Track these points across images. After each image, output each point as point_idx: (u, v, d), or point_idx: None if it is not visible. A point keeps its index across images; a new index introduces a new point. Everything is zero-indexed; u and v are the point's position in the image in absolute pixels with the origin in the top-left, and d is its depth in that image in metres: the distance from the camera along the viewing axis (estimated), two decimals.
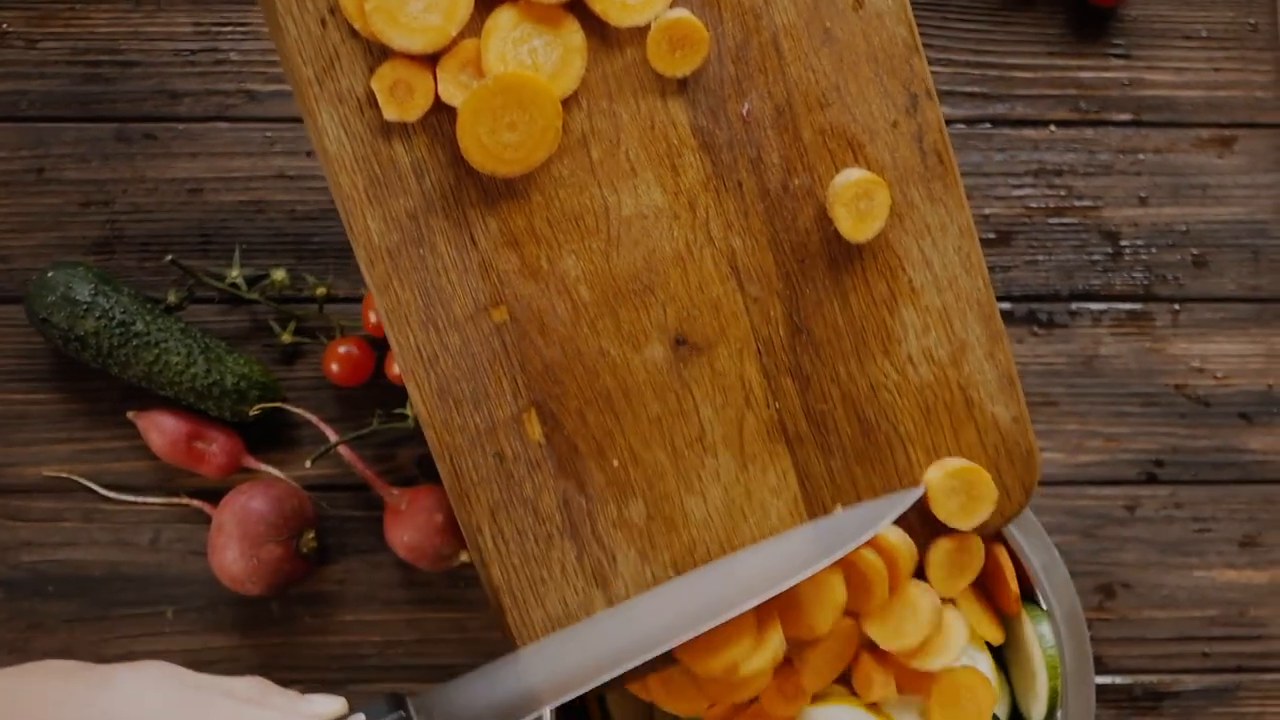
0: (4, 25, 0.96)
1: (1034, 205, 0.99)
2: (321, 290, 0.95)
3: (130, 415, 0.94)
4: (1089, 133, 0.99)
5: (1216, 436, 0.99)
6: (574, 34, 0.70)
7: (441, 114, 0.71)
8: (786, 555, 0.74)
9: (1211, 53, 0.99)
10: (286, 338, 0.95)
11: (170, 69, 0.97)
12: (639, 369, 0.74)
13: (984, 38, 0.99)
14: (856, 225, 0.73)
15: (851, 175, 0.73)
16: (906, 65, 0.73)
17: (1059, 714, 0.85)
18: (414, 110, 0.70)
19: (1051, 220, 0.99)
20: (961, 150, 0.98)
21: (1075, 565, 0.98)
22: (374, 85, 0.69)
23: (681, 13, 0.71)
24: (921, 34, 0.99)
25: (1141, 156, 0.99)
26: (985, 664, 0.86)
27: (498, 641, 0.96)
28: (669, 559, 0.75)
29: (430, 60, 0.70)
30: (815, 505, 0.76)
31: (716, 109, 0.72)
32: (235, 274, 0.95)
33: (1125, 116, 0.99)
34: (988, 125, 0.99)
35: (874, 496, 0.77)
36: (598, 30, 0.71)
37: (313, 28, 0.69)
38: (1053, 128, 0.99)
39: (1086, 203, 0.99)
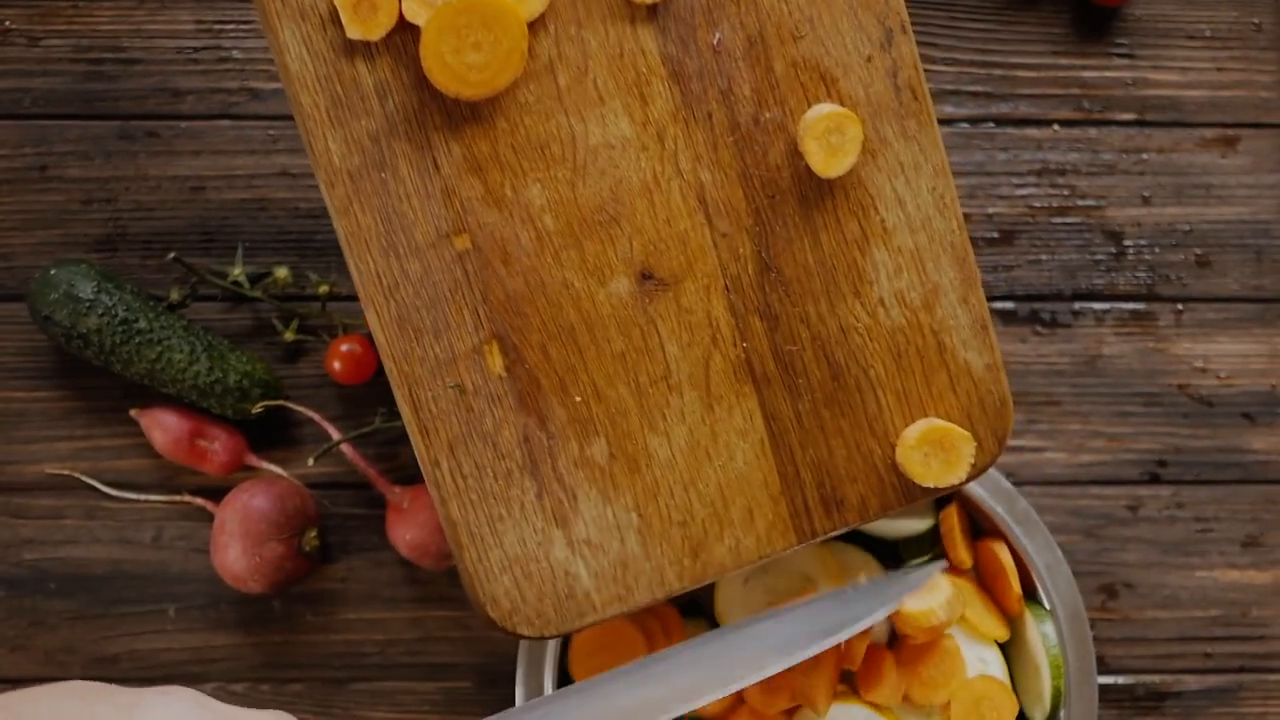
0: (7, 23, 0.96)
1: (1037, 205, 0.98)
2: (324, 288, 0.95)
3: (132, 413, 0.94)
4: (1092, 132, 0.99)
5: (1219, 437, 0.99)
6: None
7: (406, 34, 0.69)
8: (806, 624, 0.75)
9: (1215, 53, 0.99)
10: (289, 336, 0.95)
11: (173, 67, 0.97)
12: (603, 303, 0.73)
13: (988, 37, 0.99)
14: (828, 160, 0.71)
15: (823, 109, 0.71)
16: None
17: (1062, 713, 0.85)
18: (377, 28, 0.68)
19: (1055, 220, 0.99)
20: (965, 149, 0.98)
21: (1078, 565, 0.98)
22: (337, 2, 0.68)
23: None
24: (926, 33, 0.99)
25: (1145, 156, 0.99)
26: (995, 661, 0.86)
27: (500, 641, 0.96)
28: (631, 500, 0.74)
29: None
30: (781, 448, 0.75)
31: (687, 38, 0.71)
32: (238, 272, 0.95)
33: (1129, 116, 0.99)
34: (991, 124, 0.99)
35: (841, 441, 0.75)
36: None
37: None
38: (1056, 127, 0.99)
39: (1090, 202, 0.99)
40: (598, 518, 0.74)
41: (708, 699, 0.72)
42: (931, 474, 0.75)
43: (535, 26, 0.70)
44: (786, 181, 0.73)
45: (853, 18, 0.72)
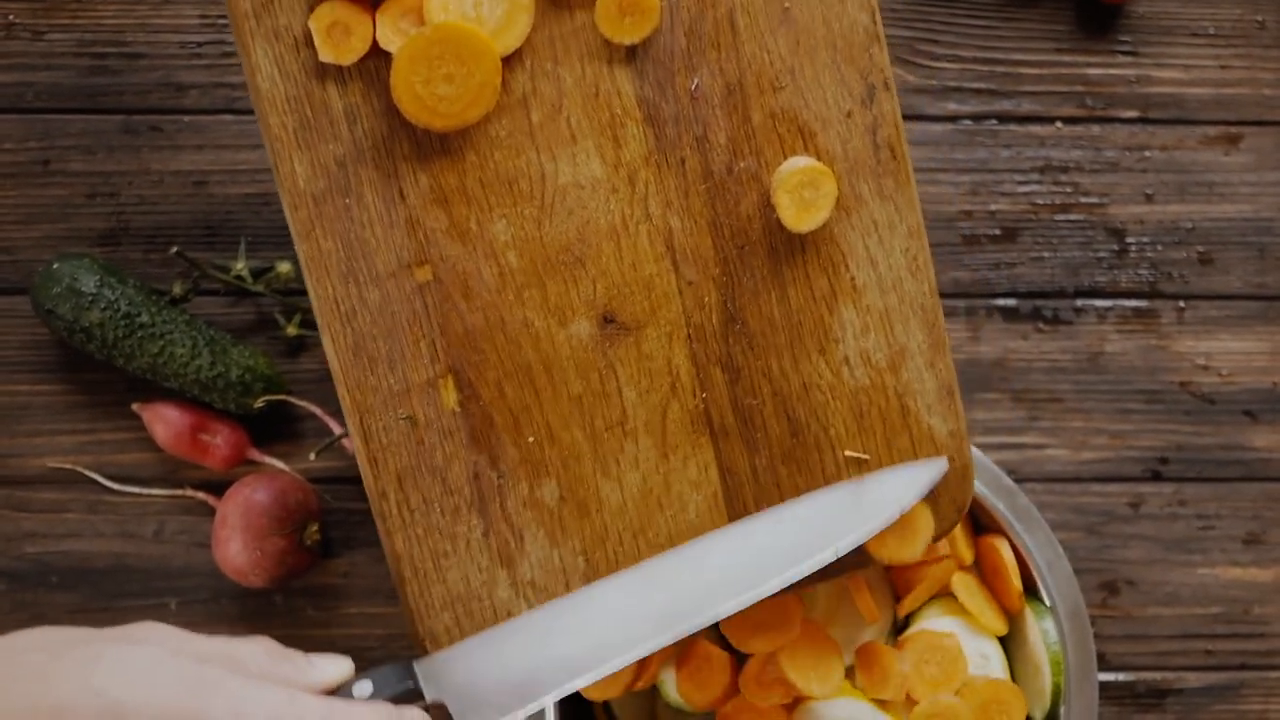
0: (10, 17, 0.96)
1: (1040, 202, 0.98)
2: None
3: (135, 407, 0.94)
4: (1095, 129, 0.99)
5: (1221, 434, 0.99)
6: None
7: (379, 60, 0.68)
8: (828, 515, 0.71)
9: (1219, 50, 0.99)
10: (292, 330, 0.95)
11: (177, 61, 0.97)
12: (563, 344, 0.72)
13: (991, 34, 0.99)
14: (799, 215, 0.70)
15: (798, 163, 0.70)
16: (866, 54, 0.71)
17: (1062, 710, 0.85)
18: (350, 53, 0.68)
19: (1057, 217, 0.99)
20: (968, 146, 0.98)
21: (1079, 562, 0.98)
22: (311, 24, 0.67)
23: None
24: (929, 30, 0.99)
25: (1148, 153, 0.99)
26: (996, 656, 0.86)
27: None
28: (578, 545, 0.73)
29: (371, 3, 0.68)
30: (735, 502, 0.74)
31: (664, 82, 0.70)
32: (240, 266, 0.95)
33: (1132, 113, 0.99)
34: (994, 121, 0.99)
35: (796, 497, 0.73)
36: None
37: None
38: (1059, 124, 0.99)
39: (1092, 199, 0.99)
40: (544, 560, 0.73)
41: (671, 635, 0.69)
42: (888, 549, 0.74)
43: (511, 61, 0.69)
44: (757, 233, 0.72)
45: (835, 71, 0.70)
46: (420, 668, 0.68)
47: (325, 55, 0.68)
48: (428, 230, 0.70)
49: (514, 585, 0.73)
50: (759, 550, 0.71)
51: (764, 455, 0.73)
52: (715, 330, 0.72)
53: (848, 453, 0.74)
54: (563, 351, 0.72)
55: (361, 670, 0.68)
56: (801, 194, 0.70)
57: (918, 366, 0.73)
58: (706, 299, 0.72)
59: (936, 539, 0.74)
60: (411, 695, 0.67)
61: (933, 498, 0.74)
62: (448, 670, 0.68)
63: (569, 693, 0.68)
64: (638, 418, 0.72)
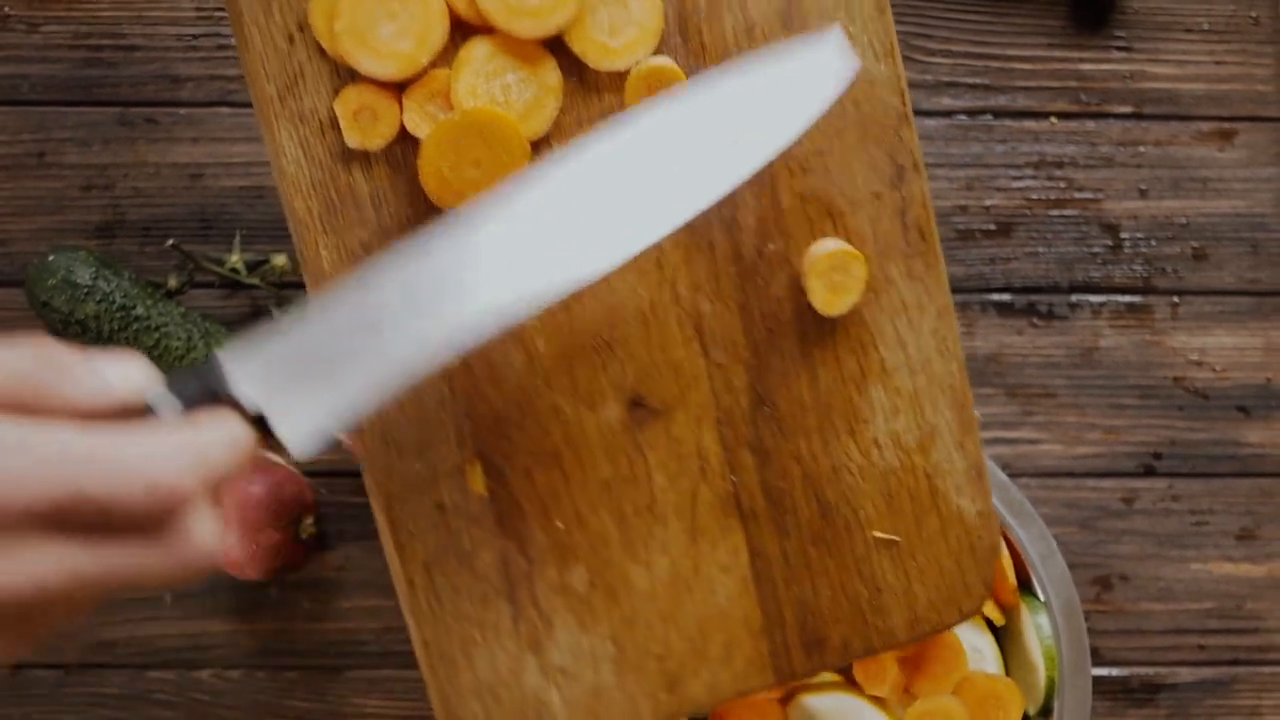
0: (6, 8, 0.96)
1: (1034, 197, 0.99)
2: None
3: None
4: (1090, 125, 0.99)
5: (1214, 429, 0.99)
6: (550, 73, 0.67)
7: (405, 144, 0.67)
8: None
9: (1213, 45, 0.99)
10: None
11: (172, 54, 0.97)
12: (592, 429, 0.70)
13: (985, 29, 0.99)
14: (830, 298, 0.69)
15: (828, 246, 0.69)
16: (895, 135, 0.70)
17: (1056, 705, 0.85)
18: (377, 138, 0.67)
19: (1052, 212, 0.99)
20: (962, 141, 0.98)
21: (1073, 557, 0.98)
22: (337, 109, 0.66)
23: (664, 60, 0.67)
24: (923, 25, 0.99)
25: (1142, 149, 0.99)
26: (990, 650, 0.86)
27: None
28: (608, 629, 0.72)
29: (398, 87, 0.67)
30: (765, 585, 0.73)
31: None
32: (235, 259, 0.95)
33: (1126, 109, 0.99)
34: (989, 116, 0.99)
35: (827, 581, 0.73)
36: (575, 71, 0.67)
37: (279, 43, 0.67)
38: (1053, 119, 0.99)
39: (1087, 195, 0.99)
40: (573, 646, 0.72)
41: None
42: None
43: (538, 144, 0.68)
44: (787, 315, 0.71)
45: (864, 153, 0.70)
46: (230, 361, 0.53)
47: (352, 140, 0.66)
48: None
49: (543, 671, 0.72)
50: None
51: (794, 538, 0.73)
52: (744, 413, 0.71)
53: (877, 534, 0.73)
54: (591, 436, 0.71)
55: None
56: (832, 277, 0.69)
57: (947, 447, 0.73)
58: (736, 381, 0.71)
59: (963, 619, 0.75)
60: (219, 400, 0.53)
61: (960, 573, 0.74)
62: (262, 362, 0.54)
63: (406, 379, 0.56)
64: (667, 502, 0.72)
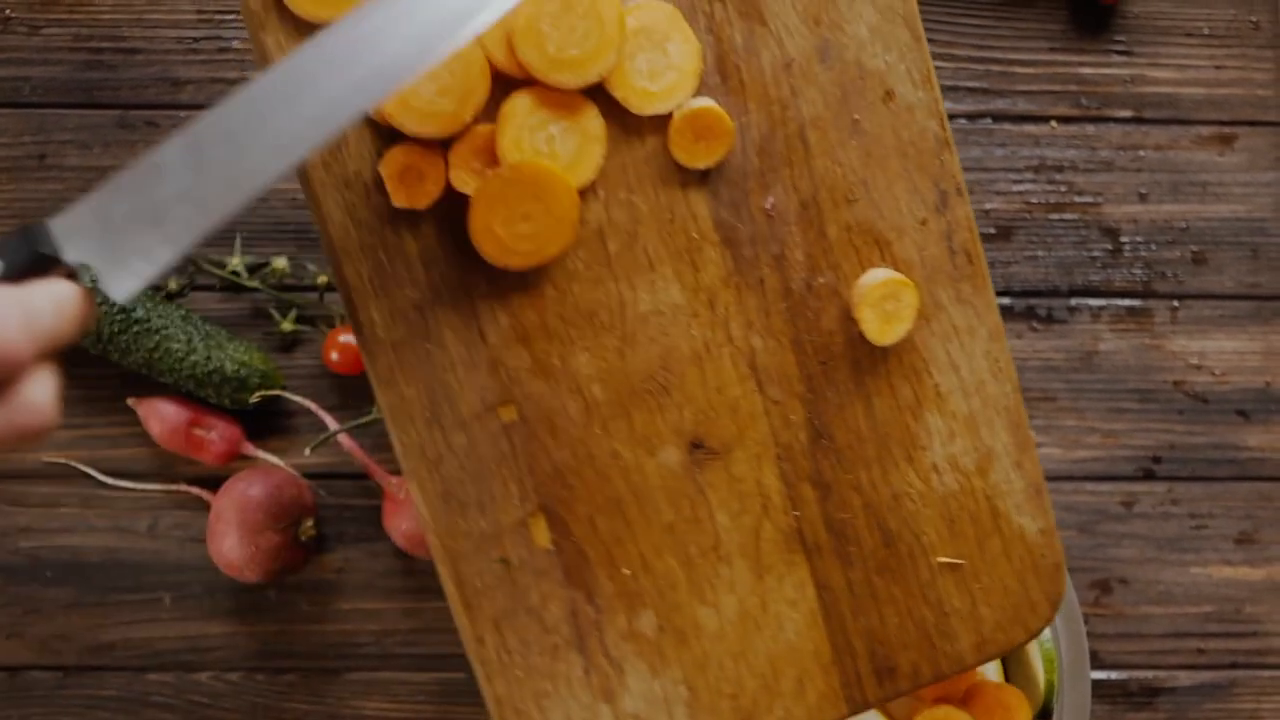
0: (7, 11, 0.96)
1: (1035, 201, 0.99)
2: (322, 279, 0.95)
3: (130, 402, 0.94)
4: (1090, 129, 0.99)
5: (1214, 433, 0.99)
6: (593, 122, 0.67)
7: (452, 200, 0.67)
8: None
9: (1213, 50, 0.99)
10: (287, 326, 0.95)
11: (173, 56, 0.97)
12: (652, 473, 0.71)
13: (987, 33, 0.99)
14: (883, 328, 0.70)
15: (878, 275, 0.70)
16: (937, 160, 0.70)
17: (1055, 708, 0.85)
18: (424, 198, 0.66)
19: (1052, 216, 0.99)
20: (963, 145, 0.98)
21: (1072, 560, 0.98)
22: (381, 170, 0.66)
23: (706, 102, 0.68)
24: (925, 29, 0.99)
25: (1142, 153, 0.99)
26: None
27: None
28: (680, 674, 0.72)
29: (442, 145, 0.66)
30: (832, 618, 0.73)
31: (739, 202, 0.69)
32: (236, 262, 0.95)
33: (1126, 113, 0.99)
34: (989, 120, 0.99)
35: (894, 609, 0.73)
36: (618, 118, 0.68)
37: None
38: (1054, 123, 0.99)
39: (1087, 199, 0.99)
40: (645, 691, 0.72)
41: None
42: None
43: (585, 192, 0.68)
44: (840, 347, 0.71)
45: (907, 181, 0.70)
46: (57, 225, 0.56)
47: (399, 201, 0.66)
48: (510, 369, 0.69)
49: (617, 719, 0.72)
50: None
51: (859, 568, 0.73)
52: (803, 447, 0.72)
53: (941, 559, 0.74)
54: (652, 481, 0.71)
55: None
56: (884, 307, 0.69)
57: (1005, 468, 0.73)
58: (793, 417, 0.71)
59: (1031, 636, 0.75)
60: (48, 264, 0.55)
61: (1024, 591, 0.74)
62: (89, 221, 0.56)
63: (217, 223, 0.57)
64: (731, 541, 0.72)
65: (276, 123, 0.57)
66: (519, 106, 0.66)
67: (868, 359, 0.72)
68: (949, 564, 0.73)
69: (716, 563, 0.72)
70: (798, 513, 0.72)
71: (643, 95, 0.67)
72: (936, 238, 0.71)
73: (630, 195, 0.69)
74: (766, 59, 0.69)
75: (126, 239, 0.56)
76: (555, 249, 0.67)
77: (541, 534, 0.71)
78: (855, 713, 0.74)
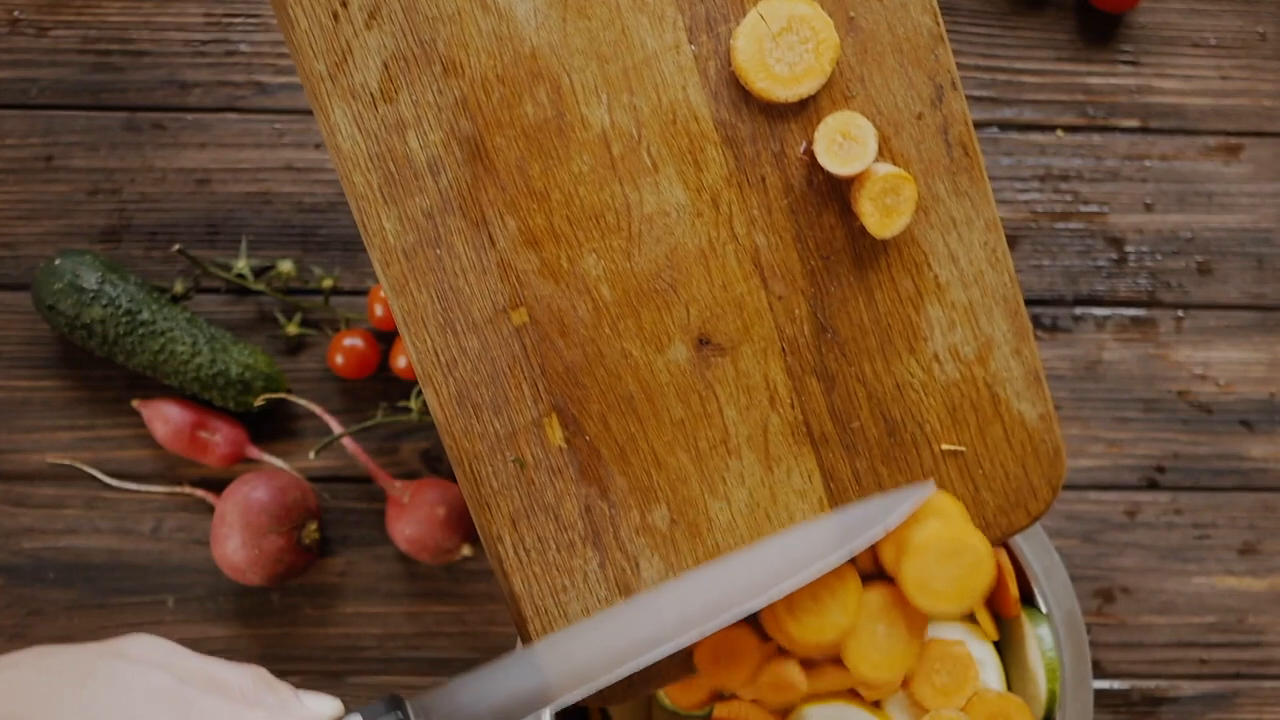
0: (15, 13, 0.97)
1: (1040, 209, 0.99)
2: (328, 282, 0.96)
3: (135, 404, 0.94)
4: (1096, 138, 0.99)
5: (1218, 443, 0.99)
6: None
7: (458, 111, 0.69)
8: (807, 545, 0.72)
9: (1220, 61, 1.00)
10: (292, 329, 0.96)
11: (180, 59, 0.97)
12: (661, 371, 0.73)
13: (992, 42, 0.99)
14: (883, 221, 0.71)
15: (878, 169, 0.71)
16: (931, 55, 0.72)
17: (1057, 717, 0.85)
18: None
19: (1057, 225, 0.99)
20: None
21: (1075, 569, 0.98)
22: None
23: None
24: None
25: (1148, 163, 0.99)
26: (991, 662, 0.86)
27: (498, 635, 0.96)
28: (693, 564, 0.74)
29: None
30: (840, 506, 0.75)
31: (739, 102, 0.71)
32: (242, 264, 0.95)
33: (1133, 123, 0.99)
34: (995, 129, 0.99)
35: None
36: None
37: (324, 21, 0.68)
38: (1060, 133, 0.99)
39: (1092, 208, 0.99)
40: (660, 583, 0.74)
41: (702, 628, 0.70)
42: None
43: (587, 96, 0.70)
44: (840, 242, 0.73)
45: (903, 75, 0.71)
46: (413, 703, 0.67)
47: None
48: (520, 273, 0.71)
49: None
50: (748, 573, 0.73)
51: (864, 458, 0.75)
52: (808, 341, 0.74)
53: (944, 446, 0.75)
54: (662, 378, 0.73)
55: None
56: (883, 200, 0.71)
57: (1004, 355, 0.75)
58: (797, 311, 0.73)
59: (1033, 520, 0.77)
60: None
61: (1025, 477, 0.76)
62: (441, 704, 0.67)
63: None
64: (740, 435, 0.74)
65: (646, 625, 0.69)
66: None
67: (868, 252, 0.73)
68: (951, 451, 0.75)
69: (726, 456, 0.74)
70: (803, 405, 0.74)
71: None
72: (933, 132, 0.72)
73: (633, 98, 0.70)
74: None
75: None
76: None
77: (555, 433, 0.72)
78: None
